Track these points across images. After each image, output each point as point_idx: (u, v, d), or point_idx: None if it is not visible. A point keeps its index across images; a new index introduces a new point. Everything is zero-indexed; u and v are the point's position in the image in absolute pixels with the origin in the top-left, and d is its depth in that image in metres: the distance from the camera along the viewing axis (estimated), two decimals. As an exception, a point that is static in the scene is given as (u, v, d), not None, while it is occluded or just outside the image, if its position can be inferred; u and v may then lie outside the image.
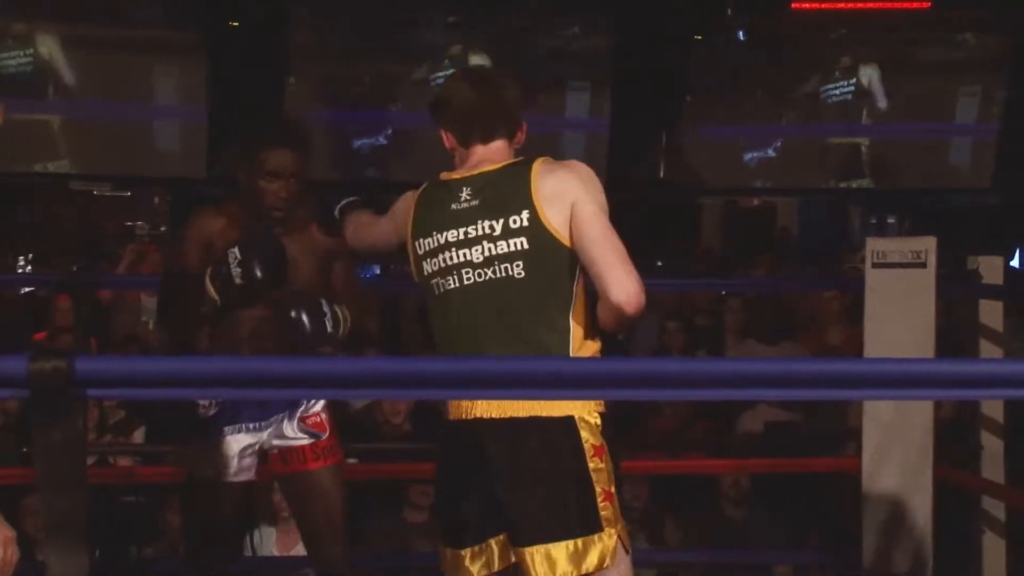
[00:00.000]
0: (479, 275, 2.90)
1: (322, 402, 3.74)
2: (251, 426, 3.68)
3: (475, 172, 2.98)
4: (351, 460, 5.87)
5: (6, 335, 7.44)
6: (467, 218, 2.93)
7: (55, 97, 11.03)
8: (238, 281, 3.45)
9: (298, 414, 3.71)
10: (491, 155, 3.02)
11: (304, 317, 3.47)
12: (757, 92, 11.15)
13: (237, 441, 3.66)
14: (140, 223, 13.35)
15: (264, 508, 5.66)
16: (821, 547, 5.88)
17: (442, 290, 2.95)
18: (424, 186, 3.06)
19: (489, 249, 2.89)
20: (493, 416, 2.87)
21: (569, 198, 2.90)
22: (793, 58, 11.10)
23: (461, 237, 2.92)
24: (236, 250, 3.47)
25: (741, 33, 11.01)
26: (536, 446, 2.86)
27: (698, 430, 6.65)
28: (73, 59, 10.97)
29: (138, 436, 6.45)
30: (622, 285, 2.81)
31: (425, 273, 2.98)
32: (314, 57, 11.03)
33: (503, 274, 2.88)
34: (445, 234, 2.94)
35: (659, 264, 10.32)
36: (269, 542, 5.52)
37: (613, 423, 6.59)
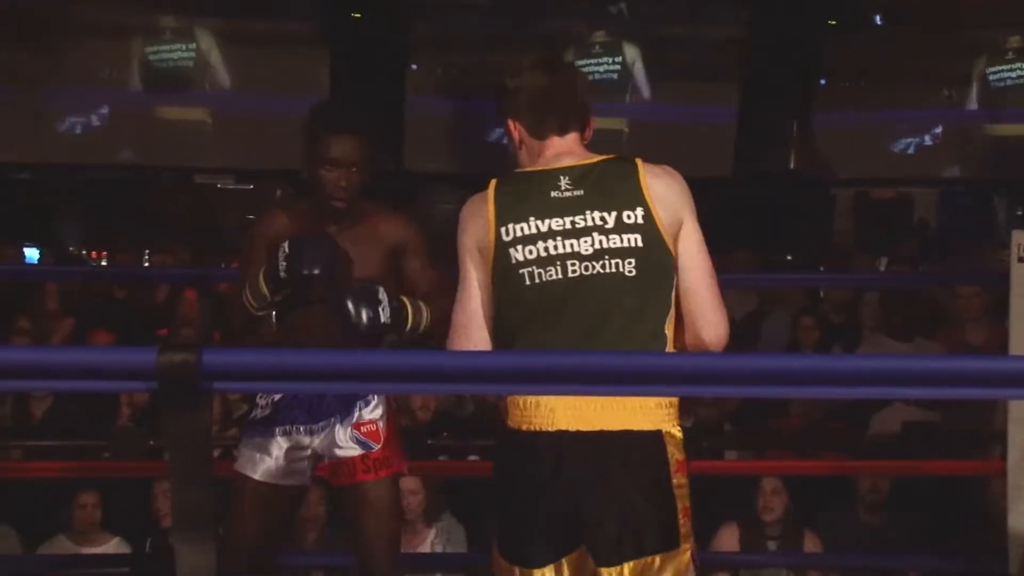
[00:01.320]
0: (586, 268, 2.71)
1: (380, 409, 3.59)
2: (301, 428, 3.57)
3: (567, 164, 2.80)
4: (472, 457, 5.76)
5: (133, 328, 7.49)
6: (574, 207, 2.73)
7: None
8: (283, 276, 3.39)
9: (352, 420, 3.57)
10: (570, 147, 2.84)
11: (356, 308, 3.36)
12: (894, 79, 10.82)
13: (286, 443, 3.57)
14: (263, 216, 13.39)
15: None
16: (961, 554, 5.60)
17: (538, 280, 2.71)
18: (497, 181, 2.81)
19: (600, 242, 2.72)
20: (580, 429, 2.69)
21: (679, 211, 2.79)
22: (937, 42, 10.73)
23: (567, 226, 2.72)
24: (285, 245, 3.40)
25: (878, 17, 10.71)
26: (626, 461, 2.71)
27: (830, 430, 6.42)
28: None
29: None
30: (718, 328, 2.79)
31: (513, 261, 2.72)
32: (437, 47, 10.99)
33: (613, 270, 2.71)
34: (548, 221, 2.72)
35: (789, 258, 10.06)
36: None
37: (738, 423, 6.41)
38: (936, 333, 7.09)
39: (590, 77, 11.05)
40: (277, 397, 3.57)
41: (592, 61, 11.05)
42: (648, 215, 2.73)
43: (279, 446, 3.56)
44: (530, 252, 2.71)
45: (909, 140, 10.80)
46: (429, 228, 3.79)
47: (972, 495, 5.66)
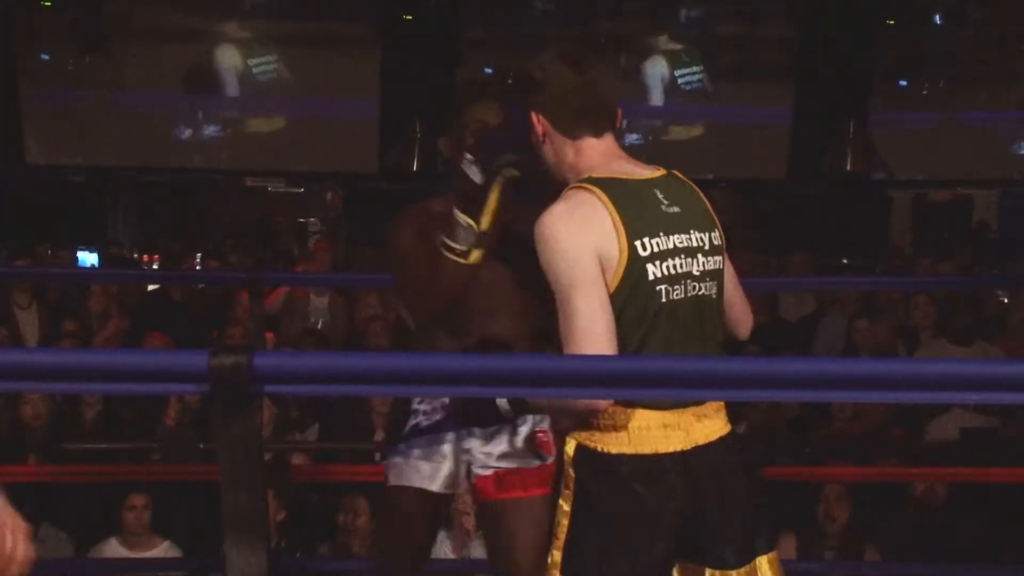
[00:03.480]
0: (694, 288, 2.70)
1: (547, 419, 3.36)
2: (464, 432, 3.35)
3: (647, 175, 2.74)
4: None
5: (188, 330, 7.52)
6: (680, 225, 2.69)
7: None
8: (477, 180, 3.13)
9: (527, 430, 3.35)
10: (617, 151, 2.78)
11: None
12: (954, 78, 10.69)
13: (451, 451, 3.36)
14: (312, 219, 13.46)
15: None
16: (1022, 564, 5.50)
17: (669, 298, 2.65)
18: (591, 182, 2.68)
19: (703, 264, 2.71)
20: (699, 443, 2.66)
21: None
22: (998, 41, 10.60)
23: (684, 244, 2.69)
24: (467, 155, 3.17)
25: (937, 17, 10.58)
26: (738, 464, 2.74)
27: (887, 437, 6.32)
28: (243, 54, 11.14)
29: (312, 434, 6.40)
30: (749, 326, 2.93)
31: (651, 276, 2.63)
32: (490, 48, 10.96)
33: (707, 292, 2.73)
34: (672, 238, 2.67)
35: (844, 261, 9.97)
36: (444, 546, 5.45)
37: (796, 428, 6.33)
38: (996, 337, 6.99)
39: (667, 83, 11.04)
40: (447, 401, 3.34)
41: (662, 67, 10.99)
42: (720, 237, 2.75)
43: (445, 454, 3.35)
44: (665, 268, 2.65)
45: (958, 142, 10.66)
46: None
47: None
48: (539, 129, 2.78)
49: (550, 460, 3.32)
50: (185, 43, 11.22)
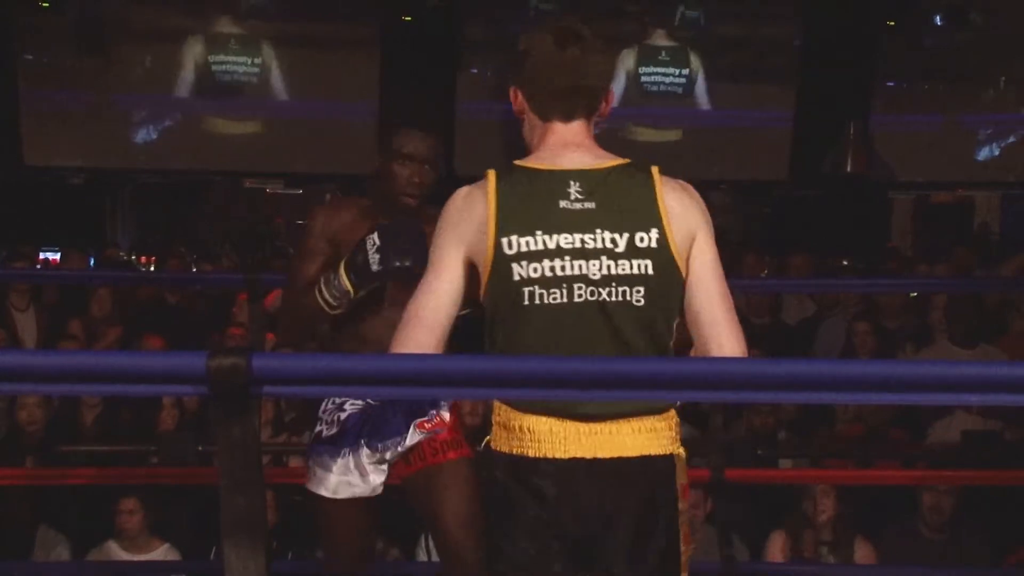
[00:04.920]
0: (592, 294, 2.49)
1: (441, 402, 3.50)
2: (376, 445, 3.46)
3: (578, 166, 2.55)
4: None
5: (184, 333, 7.50)
6: (583, 223, 2.49)
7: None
8: (375, 268, 3.21)
9: (414, 422, 3.47)
10: (579, 139, 2.59)
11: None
12: (955, 80, 10.67)
13: (355, 460, 3.46)
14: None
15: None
16: (1024, 567, 5.48)
17: (539, 301, 2.48)
18: (497, 173, 2.55)
19: (608, 267, 2.49)
20: (598, 456, 2.52)
21: (692, 228, 2.56)
22: (998, 43, 10.58)
23: (577, 245, 2.48)
24: (375, 235, 3.23)
25: (938, 17, 10.56)
26: (643, 488, 2.53)
27: (887, 439, 6.30)
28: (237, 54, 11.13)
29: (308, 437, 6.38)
30: (735, 351, 2.55)
31: (516, 277, 2.48)
32: (490, 50, 10.95)
33: (620, 298, 2.50)
34: (556, 237, 2.48)
35: (844, 263, 9.94)
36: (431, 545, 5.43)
37: (793, 429, 6.30)
38: (1001, 340, 6.97)
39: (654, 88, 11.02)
40: (343, 416, 3.47)
41: (658, 71, 10.99)
42: (662, 236, 2.51)
43: (348, 463, 3.46)
44: (534, 270, 2.48)
45: (960, 144, 10.65)
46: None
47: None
48: (516, 104, 2.64)
49: (442, 431, 3.45)
50: (183, 44, 11.21)
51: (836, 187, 10.59)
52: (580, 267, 2.48)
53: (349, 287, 3.27)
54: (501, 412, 2.57)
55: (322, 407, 3.51)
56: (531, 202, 2.51)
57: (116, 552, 5.35)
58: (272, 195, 13.07)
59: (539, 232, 2.49)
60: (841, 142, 10.53)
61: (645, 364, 2.23)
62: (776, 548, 5.42)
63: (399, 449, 3.46)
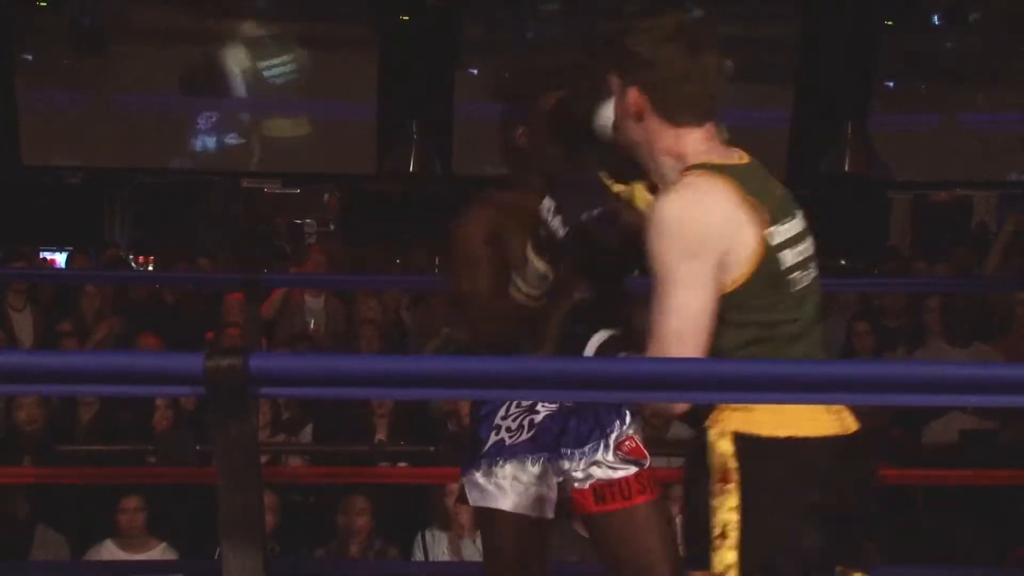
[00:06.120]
0: (813, 271, 2.61)
1: (637, 423, 3.15)
2: (556, 452, 3.10)
3: (747, 160, 2.58)
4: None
5: (181, 332, 7.51)
6: (789, 208, 2.58)
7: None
8: (562, 233, 2.81)
9: (612, 440, 3.09)
10: (715, 137, 2.60)
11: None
12: (954, 80, 10.68)
13: (540, 473, 3.11)
14: (309, 221, 13.45)
15: (438, 511, 5.58)
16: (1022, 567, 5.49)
17: (798, 286, 2.54)
18: (711, 168, 2.52)
19: (810, 247, 2.61)
20: (848, 432, 2.54)
21: None
22: (997, 42, 10.59)
23: (801, 228, 2.58)
24: (546, 201, 2.83)
25: (937, 17, 10.57)
26: (872, 460, 2.67)
27: (885, 439, 6.30)
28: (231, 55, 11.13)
29: (306, 435, 6.39)
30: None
31: (783, 266, 2.52)
32: (488, 50, 10.95)
33: (816, 274, 2.62)
34: (791, 223, 2.55)
35: (843, 263, 9.95)
36: (441, 546, 5.48)
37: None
38: (996, 339, 6.98)
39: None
40: (538, 419, 3.11)
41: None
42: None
43: (533, 476, 3.11)
44: (796, 255, 2.55)
45: (959, 143, 10.65)
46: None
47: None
48: (633, 108, 2.57)
49: (647, 464, 3.11)
50: (182, 44, 11.21)
51: (835, 187, 10.59)
52: (807, 249, 2.58)
53: (543, 268, 2.89)
54: None
55: (502, 412, 3.12)
56: (762, 192, 2.53)
57: (114, 551, 5.36)
58: (271, 195, 13.07)
59: (785, 219, 2.54)
60: (840, 142, 10.53)
61: (645, 364, 2.22)
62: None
63: (602, 473, 3.09)
